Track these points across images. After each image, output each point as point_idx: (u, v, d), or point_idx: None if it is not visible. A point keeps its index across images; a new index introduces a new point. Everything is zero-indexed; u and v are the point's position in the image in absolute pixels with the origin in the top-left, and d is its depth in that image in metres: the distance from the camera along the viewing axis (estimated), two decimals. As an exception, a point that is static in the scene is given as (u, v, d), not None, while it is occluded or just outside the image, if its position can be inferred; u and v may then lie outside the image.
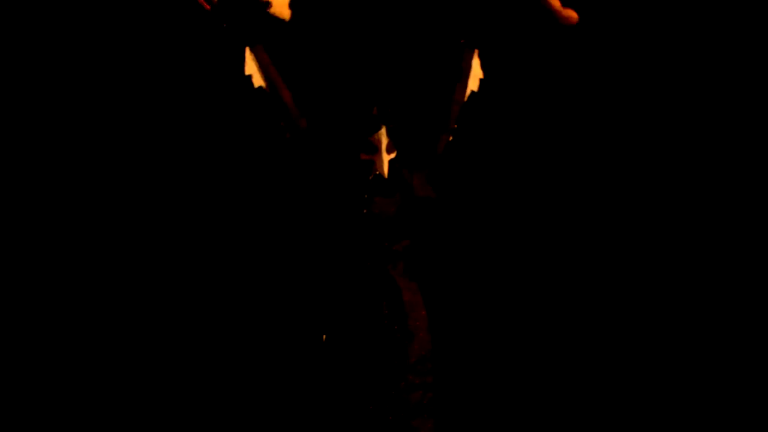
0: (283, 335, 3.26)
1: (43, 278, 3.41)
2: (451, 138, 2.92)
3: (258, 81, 2.86)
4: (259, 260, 3.39)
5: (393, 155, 2.88)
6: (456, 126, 2.93)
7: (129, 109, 3.46)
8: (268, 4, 2.79)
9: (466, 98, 2.95)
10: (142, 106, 3.47)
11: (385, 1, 3.11)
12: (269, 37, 2.86)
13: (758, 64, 3.46)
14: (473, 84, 2.98)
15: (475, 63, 2.99)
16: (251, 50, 2.84)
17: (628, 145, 3.54)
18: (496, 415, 3.39)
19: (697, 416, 3.40)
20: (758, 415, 3.36)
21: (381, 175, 2.84)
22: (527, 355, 3.44)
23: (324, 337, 2.82)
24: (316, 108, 3.10)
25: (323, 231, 2.87)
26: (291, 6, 2.89)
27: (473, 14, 2.97)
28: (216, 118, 3.48)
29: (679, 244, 3.50)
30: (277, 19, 2.86)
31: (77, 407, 3.37)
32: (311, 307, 2.92)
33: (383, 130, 2.87)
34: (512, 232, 3.51)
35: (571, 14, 2.78)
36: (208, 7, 2.75)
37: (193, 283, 3.45)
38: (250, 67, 2.85)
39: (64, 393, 3.38)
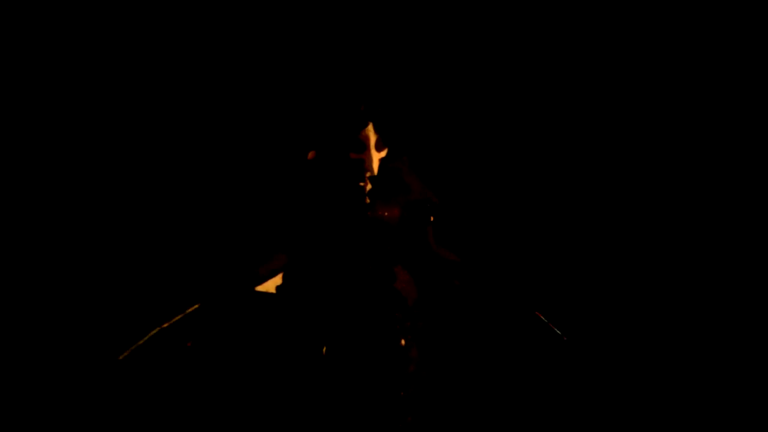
0: (284, 340, 3.25)
1: (42, 278, 3.37)
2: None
3: None
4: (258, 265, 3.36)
5: (383, 153, 2.82)
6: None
7: (127, 110, 3.45)
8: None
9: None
10: (141, 106, 3.46)
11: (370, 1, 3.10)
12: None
13: (758, 65, 3.46)
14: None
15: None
16: None
17: (625, 148, 3.52)
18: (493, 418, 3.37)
19: (698, 416, 3.39)
20: (758, 415, 3.36)
21: (378, 177, 2.77)
22: (527, 360, 3.42)
23: (324, 349, 2.77)
24: (306, 106, 3.06)
25: (327, 238, 2.81)
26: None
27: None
28: (212, 120, 3.46)
29: (679, 244, 3.49)
30: None
31: (77, 407, 3.34)
32: (313, 312, 2.88)
33: (370, 127, 2.80)
34: (512, 235, 3.49)
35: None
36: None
37: (189, 288, 3.43)
38: None
39: (64, 393, 3.33)
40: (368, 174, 2.78)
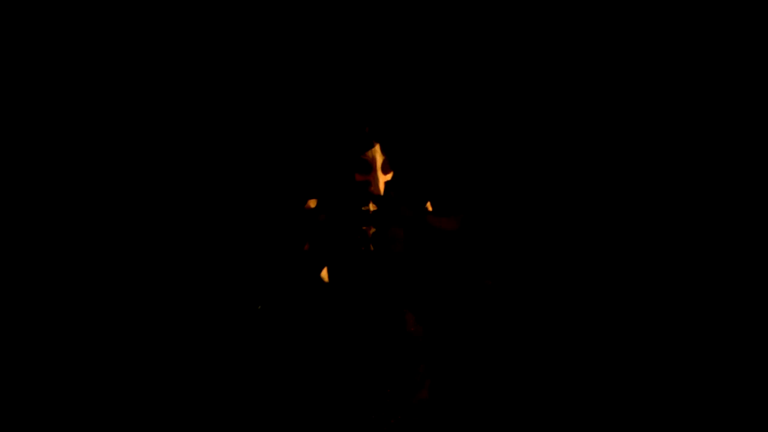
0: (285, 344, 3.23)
1: (43, 278, 3.33)
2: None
3: None
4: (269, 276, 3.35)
5: (389, 176, 2.75)
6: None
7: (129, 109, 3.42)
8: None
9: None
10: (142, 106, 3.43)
11: (375, 17, 3.08)
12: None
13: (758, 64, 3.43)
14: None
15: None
16: None
17: (623, 151, 3.49)
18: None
19: (697, 416, 3.34)
20: (758, 415, 3.31)
21: (381, 208, 2.72)
22: (527, 360, 3.39)
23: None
24: (311, 123, 3.03)
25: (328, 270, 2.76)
26: None
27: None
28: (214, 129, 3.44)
29: (678, 244, 3.45)
30: None
31: (77, 407, 3.30)
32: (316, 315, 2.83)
33: (377, 148, 2.73)
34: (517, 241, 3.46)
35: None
36: None
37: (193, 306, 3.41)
38: None
39: (64, 393, 3.30)
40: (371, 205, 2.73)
